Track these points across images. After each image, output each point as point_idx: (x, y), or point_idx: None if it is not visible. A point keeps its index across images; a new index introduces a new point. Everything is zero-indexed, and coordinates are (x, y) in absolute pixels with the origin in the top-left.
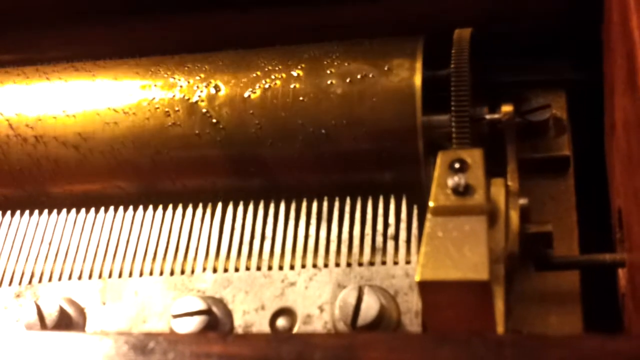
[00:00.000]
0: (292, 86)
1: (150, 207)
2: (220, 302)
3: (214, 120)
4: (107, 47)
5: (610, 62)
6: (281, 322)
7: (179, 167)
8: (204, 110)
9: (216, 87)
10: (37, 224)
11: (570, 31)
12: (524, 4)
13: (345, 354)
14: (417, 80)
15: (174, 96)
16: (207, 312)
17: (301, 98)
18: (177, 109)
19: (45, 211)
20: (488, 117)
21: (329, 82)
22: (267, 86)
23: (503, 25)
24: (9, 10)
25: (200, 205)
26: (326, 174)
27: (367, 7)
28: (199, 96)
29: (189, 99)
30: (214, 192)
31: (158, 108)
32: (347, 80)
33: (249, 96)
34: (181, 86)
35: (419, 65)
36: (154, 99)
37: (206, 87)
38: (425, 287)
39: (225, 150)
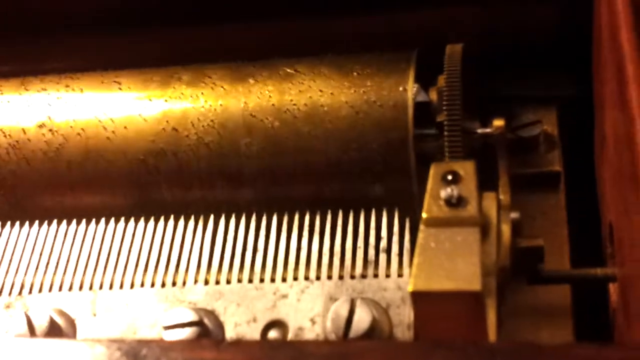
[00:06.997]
0: (285, 99)
1: (142, 218)
2: (211, 314)
3: (208, 133)
4: (105, 59)
5: (601, 76)
6: (273, 334)
7: (172, 179)
8: (200, 123)
9: (210, 99)
10: (28, 234)
11: (561, 46)
12: (515, 20)
13: None
14: (409, 93)
15: (169, 107)
16: (199, 323)
17: (294, 111)
18: (171, 120)
19: (36, 222)
20: (480, 131)
21: (320, 94)
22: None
23: (495, 40)
24: (8, 22)
25: (192, 217)
26: (318, 186)
27: (366, 20)
28: (195, 108)
29: (184, 110)
30: (206, 204)
31: (151, 119)
32: (339, 93)
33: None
34: (179, 97)
35: (411, 79)
36: (148, 110)
37: (203, 98)
38: (418, 298)
39: (218, 162)
